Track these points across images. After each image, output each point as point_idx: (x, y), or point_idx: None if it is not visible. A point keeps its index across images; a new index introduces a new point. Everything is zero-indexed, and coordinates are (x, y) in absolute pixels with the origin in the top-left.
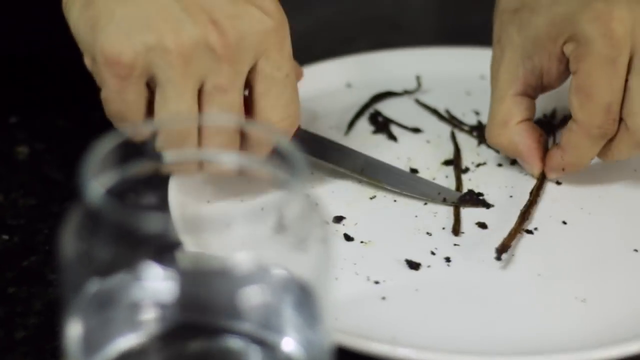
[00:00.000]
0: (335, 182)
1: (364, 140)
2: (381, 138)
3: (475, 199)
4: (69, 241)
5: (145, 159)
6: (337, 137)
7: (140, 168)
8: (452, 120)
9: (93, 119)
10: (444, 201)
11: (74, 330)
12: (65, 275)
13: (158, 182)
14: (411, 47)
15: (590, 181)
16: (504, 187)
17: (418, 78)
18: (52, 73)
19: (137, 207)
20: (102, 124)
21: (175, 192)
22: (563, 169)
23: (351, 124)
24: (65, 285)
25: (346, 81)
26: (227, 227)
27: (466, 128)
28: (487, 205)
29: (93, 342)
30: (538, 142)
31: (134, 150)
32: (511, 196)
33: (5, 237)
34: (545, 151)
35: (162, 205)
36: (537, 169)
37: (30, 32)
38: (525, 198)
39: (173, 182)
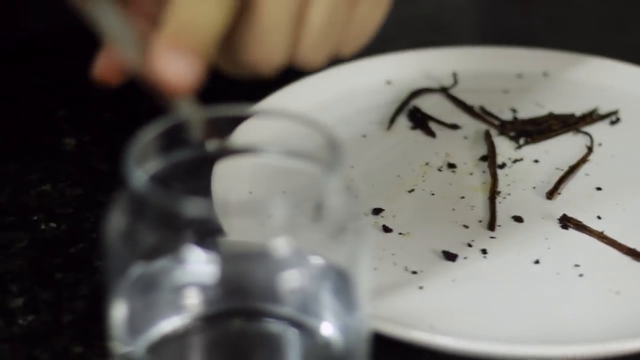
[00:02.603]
0: (374, 176)
1: (403, 136)
2: (420, 134)
3: None
4: (114, 227)
5: (189, 146)
6: (377, 132)
7: (184, 155)
8: (487, 117)
9: (138, 112)
10: None
11: (118, 313)
12: (111, 259)
13: (202, 169)
14: (450, 46)
15: (625, 179)
16: (539, 183)
17: (455, 75)
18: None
19: (181, 193)
20: (147, 117)
21: (219, 179)
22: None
23: (392, 120)
24: (110, 270)
25: (386, 78)
26: (267, 213)
27: (502, 125)
28: None
29: (137, 324)
30: None
31: (178, 137)
32: (547, 191)
33: (53, 225)
34: None
35: (206, 192)
36: None
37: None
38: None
39: (217, 170)
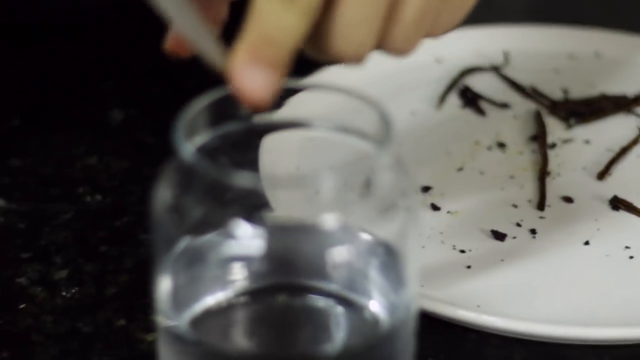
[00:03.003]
0: (423, 154)
1: (453, 114)
2: (470, 112)
3: None
4: (161, 200)
5: (238, 119)
6: (427, 110)
7: (232, 128)
8: (538, 97)
9: (186, 85)
10: None
11: (163, 287)
12: (157, 233)
13: (250, 143)
14: (501, 24)
15: None
16: (590, 164)
17: (506, 54)
18: (146, 39)
19: (229, 167)
20: (195, 90)
21: (267, 153)
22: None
23: (441, 98)
24: (156, 243)
25: (436, 56)
26: (315, 188)
27: (553, 105)
28: None
29: (182, 299)
30: None
31: (227, 110)
32: (598, 172)
33: (99, 197)
34: None
35: (253, 165)
36: None
37: None
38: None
39: (265, 143)
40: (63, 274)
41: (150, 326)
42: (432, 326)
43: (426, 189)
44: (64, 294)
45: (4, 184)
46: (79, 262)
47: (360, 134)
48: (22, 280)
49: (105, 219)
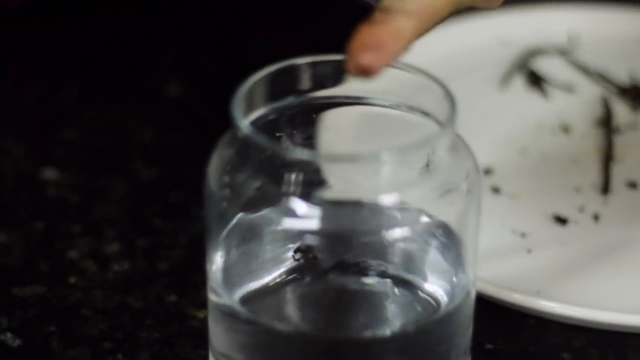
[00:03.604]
0: (485, 135)
1: (517, 96)
2: (534, 94)
3: None
4: (217, 175)
5: (296, 94)
6: (490, 91)
7: (290, 103)
8: (605, 81)
9: (244, 60)
10: None
11: (215, 263)
12: (210, 208)
13: (309, 118)
14: (565, 4)
15: None
16: None
17: (571, 36)
18: (204, 12)
19: (286, 143)
20: (253, 66)
21: (325, 129)
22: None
23: (505, 80)
24: (209, 219)
25: (501, 37)
26: (374, 167)
27: (620, 90)
28: None
29: (235, 275)
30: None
31: (285, 85)
32: None
33: (153, 171)
34: None
35: (311, 141)
36: None
37: None
38: None
39: (324, 119)
40: (115, 248)
41: (201, 302)
42: (489, 311)
43: (487, 171)
44: (115, 268)
45: (58, 156)
46: (131, 236)
47: (423, 113)
48: (73, 253)
49: (159, 194)
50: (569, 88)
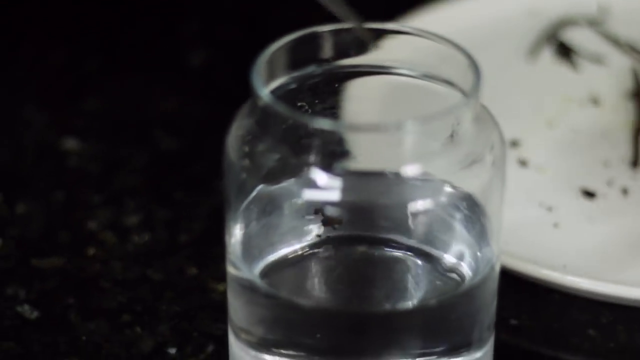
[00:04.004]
0: (512, 107)
1: (545, 68)
2: (562, 66)
3: None
4: (237, 146)
5: (319, 63)
6: (518, 62)
7: (313, 72)
8: (635, 53)
9: (269, 29)
10: None
11: (235, 235)
12: (230, 179)
13: (332, 88)
14: None
15: None
16: None
17: (601, 7)
18: None
19: (308, 113)
20: (279, 33)
21: (349, 99)
22: None
23: (534, 51)
24: (229, 190)
25: (529, 7)
26: (398, 137)
27: None
28: None
29: (255, 248)
30: None
31: (308, 53)
32: None
33: (175, 142)
34: None
35: (333, 112)
36: None
37: None
38: None
39: (347, 89)
40: (135, 219)
41: (222, 275)
42: (514, 285)
43: (514, 143)
44: (135, 240)
45: (79, 126)
46: (152, 207)
47: (448, 83)
48: (92, 224)
49: (180, 165)
50: (598, 59)
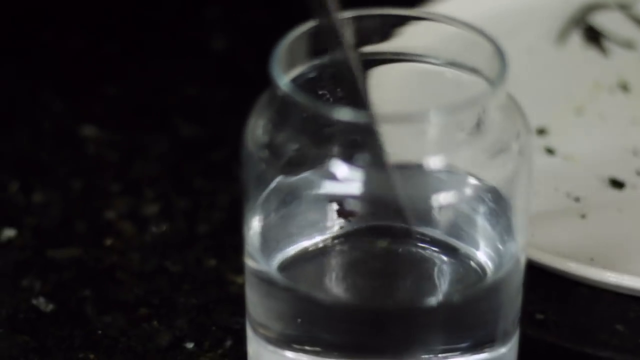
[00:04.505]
0: (539, 94)
1: (574, 53)
2: (591, 52)
3: None
4: (257, 135)
5: (341, 50)
6: (545, 47)
7: (335, 59)
8: None
9: (293, 15)
10: None
11: (253, 227)
12: (249, 169)
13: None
14: None
15: None
16: None
17: None
18: None
19: (329, 101)
20: (302, 19)
21: (373, 87)
22: None
23: (562, 36)
24: (247, 181)
25: None
26: (421, 127)
27: None
28: None
29: (275, 240)
30: None
31: (330, 40)
32: None
33: (196, 129)
34: None
35: (356, 101)
36: None
37: None
38: None
39: (371, 76)
40: (153, 209)
41: (241, 268)
42: (541, 279)
43: (541, 131)
44: (153, 230)
45: (97, 112)
46: (171, 196)
47: (473, 71)
48: (110, 214)
49: (201, 152)
50: (629, 44)
